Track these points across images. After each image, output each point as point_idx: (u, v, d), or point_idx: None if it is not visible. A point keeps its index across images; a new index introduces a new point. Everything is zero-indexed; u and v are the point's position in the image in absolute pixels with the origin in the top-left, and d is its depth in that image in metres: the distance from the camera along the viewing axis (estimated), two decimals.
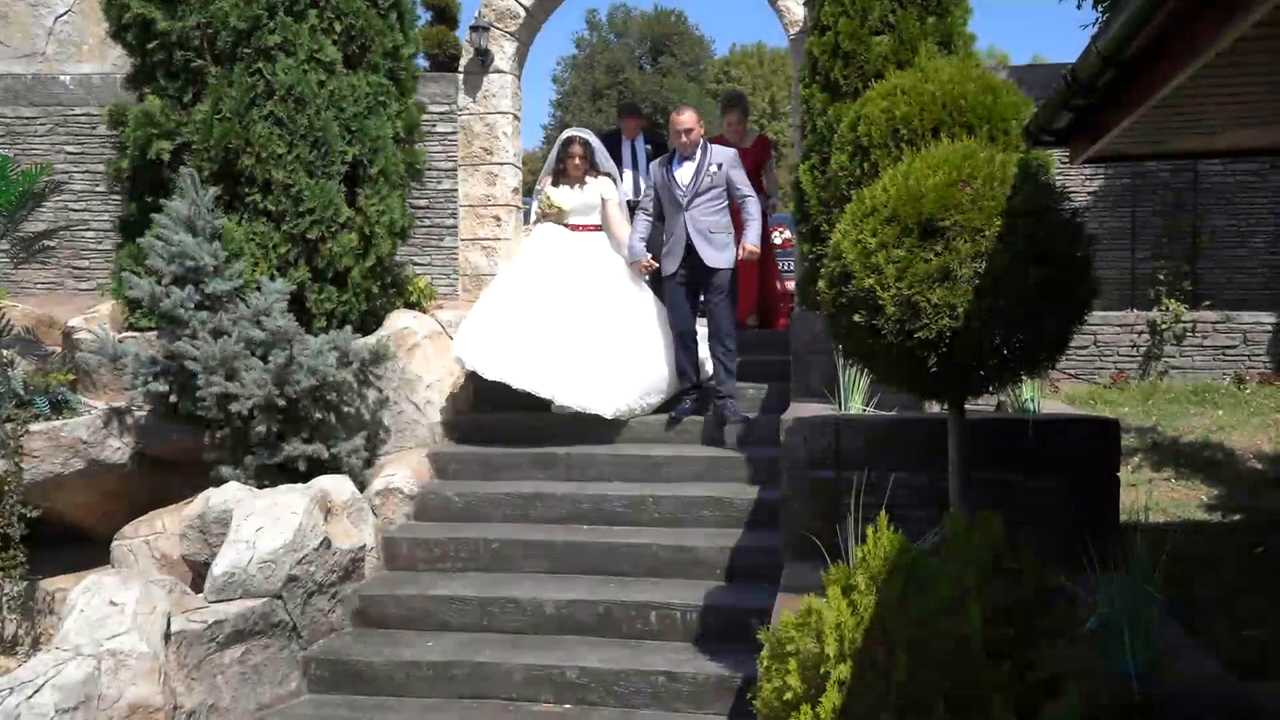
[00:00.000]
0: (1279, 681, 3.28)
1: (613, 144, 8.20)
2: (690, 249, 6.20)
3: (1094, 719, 2.55)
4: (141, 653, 3.52)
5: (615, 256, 6.81)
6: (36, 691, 3.16)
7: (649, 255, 6.57)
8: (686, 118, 6.33)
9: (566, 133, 7.20)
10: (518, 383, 6.18)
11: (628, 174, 8.16)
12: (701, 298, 6.42)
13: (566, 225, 6.91)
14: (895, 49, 5.71)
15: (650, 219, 6.58)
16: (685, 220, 6.20)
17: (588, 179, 6.94)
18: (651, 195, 6.53)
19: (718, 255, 6.22)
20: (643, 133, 8.49)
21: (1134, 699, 2.90)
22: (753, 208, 6.31)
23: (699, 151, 6.28)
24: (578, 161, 6.91)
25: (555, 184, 7.00)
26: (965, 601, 2.52)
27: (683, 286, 6.32)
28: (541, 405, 6.40)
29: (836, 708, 2.48)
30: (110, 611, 3.58)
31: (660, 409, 6.48)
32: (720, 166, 6.23)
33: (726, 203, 6.33)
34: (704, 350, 6.52)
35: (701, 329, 6.51)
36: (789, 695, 2.64)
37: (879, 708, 2.48)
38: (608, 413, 6.21)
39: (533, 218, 7.41)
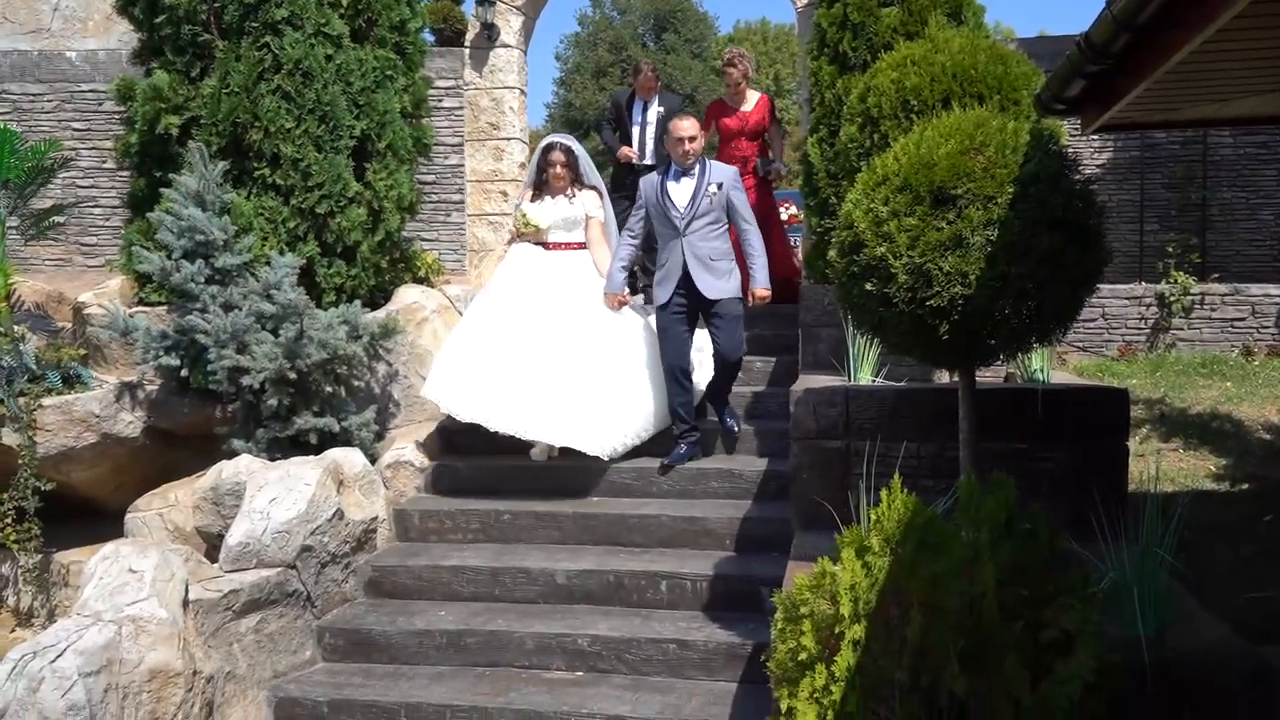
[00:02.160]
0: None
1: (628, 105, 8.11)
2: (687, 278, 5.55)
3: (1105, 679, 2.57)
4: (161, 619, 3.56)
5: (599, 279, 6.11)
6: (59, 656, 3.21)
7: (626, 290, 6.00)
8: (688, 125, 5.65)
9: (547, 140, 6.52)
10: (495, 425, 5.66)
11: (636, 140, 8.00)
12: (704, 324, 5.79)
13: (546, 243, 6.26)
14: (904, 20, 5.68)
15: (635, 243, 5.90)
16: (682, 246, 5.55)
17: (570, 192, 6.26)
18: (640, 215, 5.76)
19: (718, 284, 5.58)
20: (658, 95, 8.19)
21: (1144, 661, 2.92)
22: (755, 241, 5.65)
23: (697, 167, 5.61)
24: (559, 171, 6.20)
25: (535, 198, 6.32)
26: (979, 562, 2.55)
27: (678, 318, 5.64)
28: None
29: (851, 667, 2.51)
30: (129, 579, 3.62)
31: (653, 438, 5.89)
32: (720, 187, 5.57)
33: (726, 225, 5.68)
34: (699, 376, 5.94)
35: (699, 349, 5.93)
36: (803, 656, 2.67)
37: (893, 667, 2.51)
38: (604, 454, 5.65)
39: (508, 236, 6.95)
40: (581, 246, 6.28)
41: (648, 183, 5.74)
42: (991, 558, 2.57)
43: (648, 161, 7.97)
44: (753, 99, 7.86)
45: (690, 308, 5.63)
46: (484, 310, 6.13)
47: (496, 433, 5.69)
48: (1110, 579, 3.19)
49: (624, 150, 8.05)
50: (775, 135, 7.95)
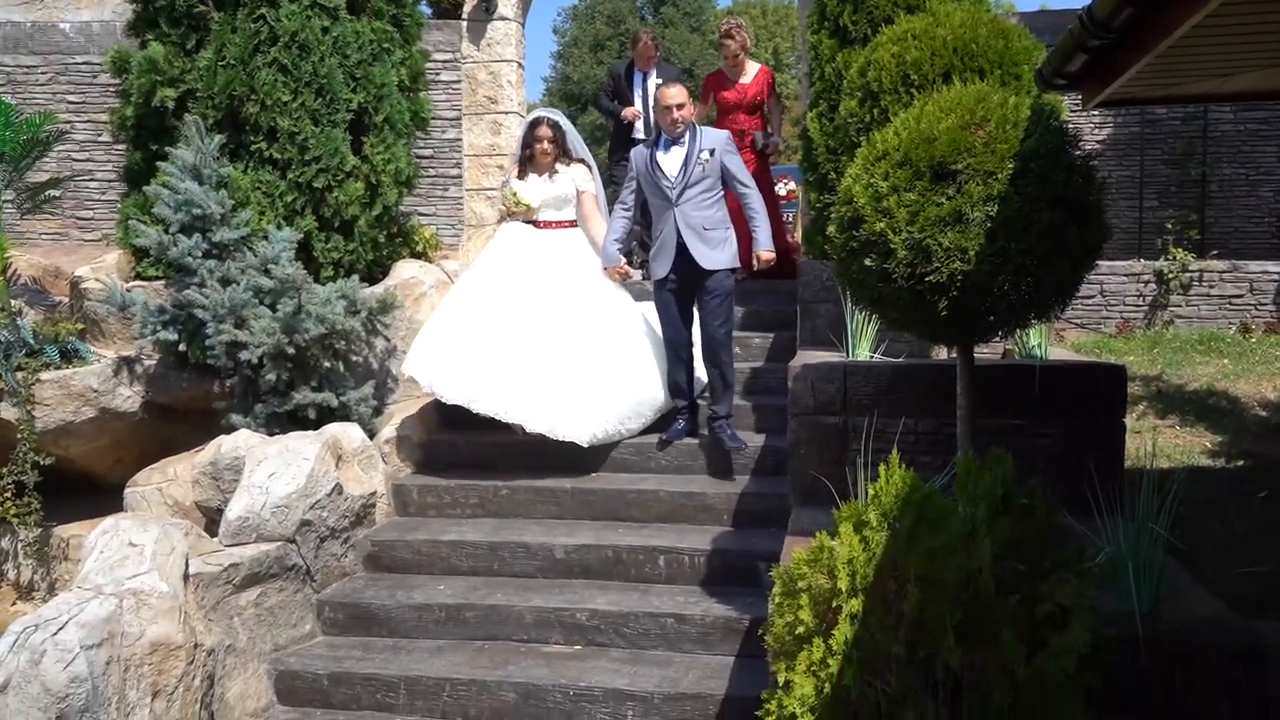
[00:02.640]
0: None
1: (627, 77, 7.99)
2: (682, 249, 5.41)
3: (1100, 652, 2.59)
4: (162, 592, 3.58)
5: (593, 257, 6.01)
6: (61, 629, 3.22)
7: (624, 260, 5.93)
8: (675, 92, 5.47)
9: (533, 114, 6.29)
10: (481, 407, 5.51)
11: (639, 106, 7.91)
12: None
13: (536, 222, 6.06)
14: None
15: (629, 215, 5.79)
16: (675, 216, 5.40)
17: (559, 168, 6.07)
18: (632, 187, 5.66)
19: (714, 254, 5.42)
20: (656, 67, 8.05)
21: (1139, 634, 2.95)
22: (756, 203, 5.52)
23: (688, 135, 5.45)
24: (546, 146, 6.00)
25: (522, 175, 6.12)
26: (975, 537, 2.57)
27: (673, 293, 5.52)
28: None
29: (848, 640, 2.53)
30: (130, 552, 3.63)
31: (651, 429, 5.77)
32: (713, 153, 5.42)
33: (721, 193, 5.54)
34: (698, 361, 5.81)
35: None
36: (801, 630, 2.69)
37: (890, 640, 2.53)
38: (583, 440, 5.48)
39: (497, 215, 6.76)
40: (573, 224, 6.12)
41: (638, 154, 5.64)
42: (988, 533, 2.58)
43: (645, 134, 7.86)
44: (751, 71, 7.70)
45: (687, 279, 5.48)
46: (471, 288, 5.93)
47: (479, 414, 5.57)
48: (1106, 554, 3.21)
49: (628, 110, 7.91)
50: (774, 109, 7.81)
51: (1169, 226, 9.00)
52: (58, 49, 8.67)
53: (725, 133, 5.68)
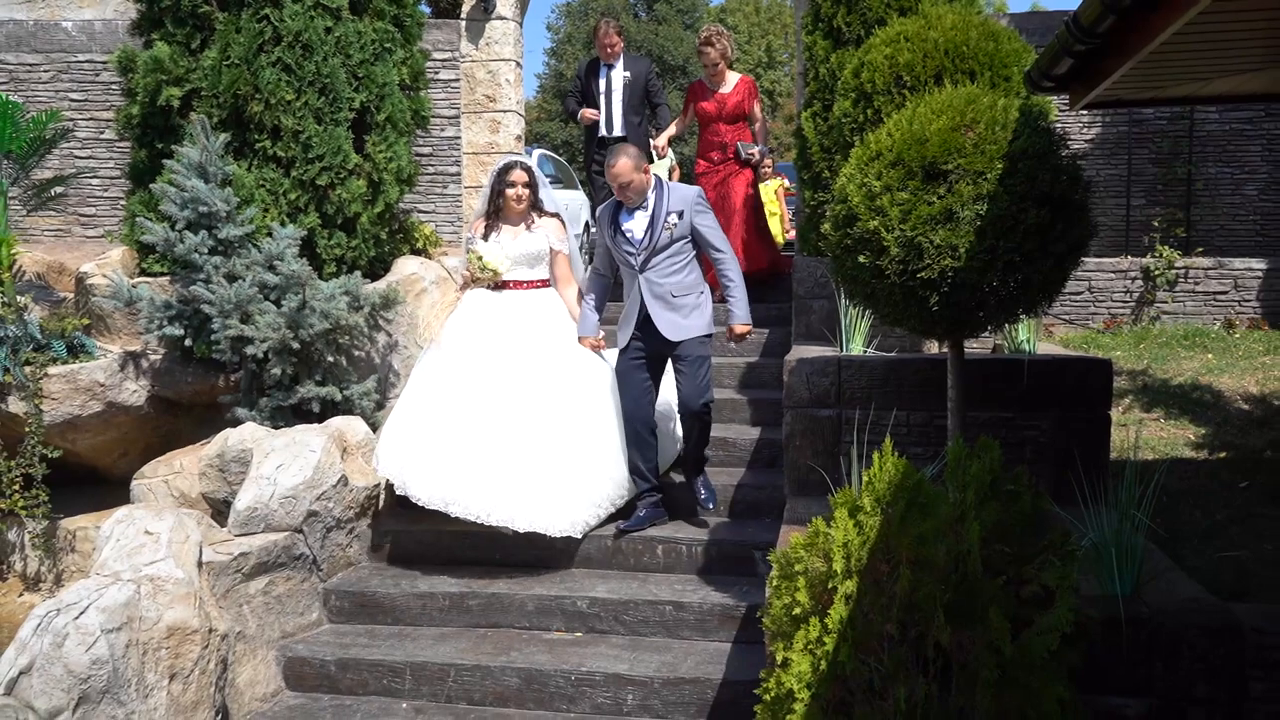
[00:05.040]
0: (1259, 602, 3.47)
1: (591, 72, 7.64)
2: (647, 319, 4.98)
3: (1083, 631, 2.72)
4: (178, 578, 3.69)
5: (568, 320, 5.52)
6: (82, 613, 3.33)
7: (601, 333, 5.45)
8: (620, 167, 4.91)
9: (504, 160, 5.69)
10: (459, 510, 5.00)
11: (602, 111, 7.56)
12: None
13: (505, 283, 5.51)
14: None
15: (606, 278, 5.37)
16: (640, 284, 4.98)
17: (533, 218, 5.54)
18: (602, 250, 5.25)
19: (683, 324, 4.96)
20: (623, 57, 7.58)
21: (1120, 615, 3.08)
22: (732, 271, 5.02)
23: (652, 196, 4.98)
24: (521, 192, 5.47)
25: (488, 233, 5.53)
26: (964, 521, 2.69)
27: (637, 363, 5.07)
28: None
29: (843, 619, 2.66)
30: (146, 540, 3.74)
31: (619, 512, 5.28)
32: (681, 215, 4.94)
33: (693, 255, 5.08)
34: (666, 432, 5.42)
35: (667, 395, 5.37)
36: (797, 610, 2.82)
37: (883, 620, 2.66)
38: (576, 532, 5.05)
39: (459, 279, 6.01)
40: (545, 284, 5.59)
41: (603, 214, 5.17)
42: (977, 517, 2.71)
43: (617, 133, 7.55)
44: (731, 81, 7.44)
45: (652, 352, 5.05)
46: (436, 371, 5.44)
47: (458, 518, 5.06)
48: (1090, 540, 3.34)
49: (585, 112, 7.65)
50: (759, 120, 7.57)
51: (1156, 224, 9.16)
52: (60, 47, 8.74)
53: (696, 190, 5.14)
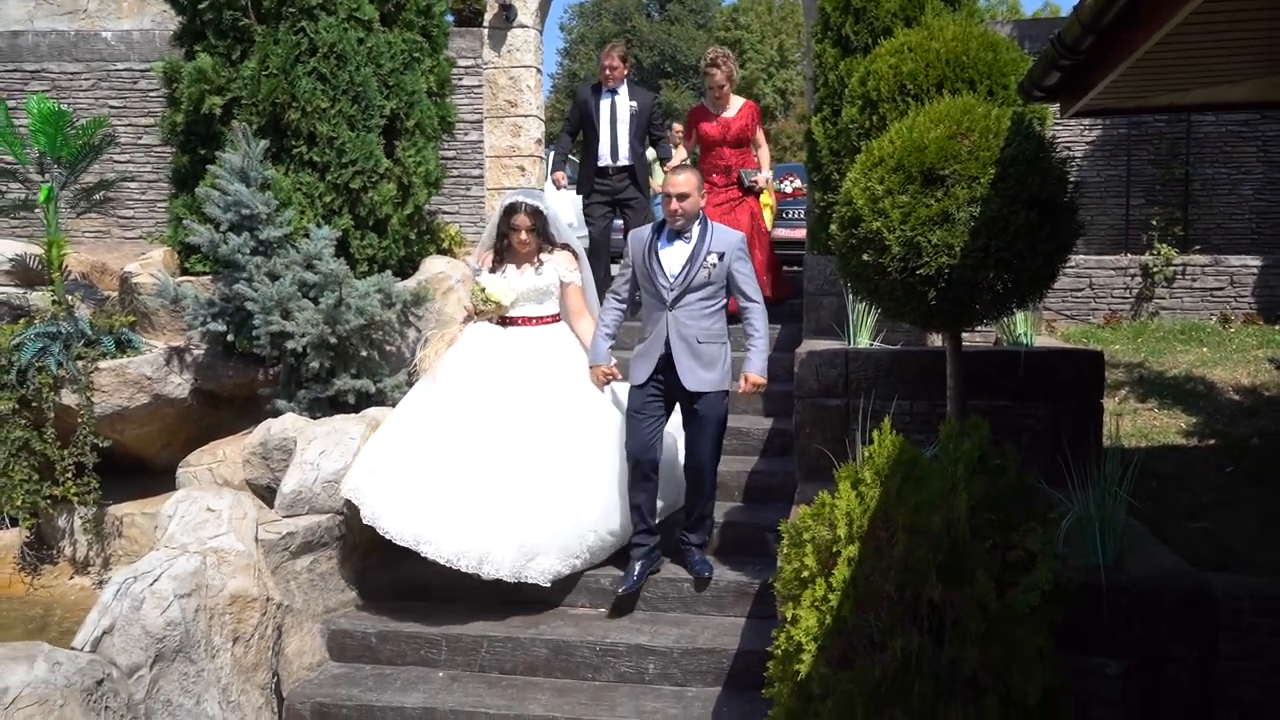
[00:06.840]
0: (1233, 574, 3.76)
1: (594, 96, 7.40)
2: (669, 359, 4.71)
3: (1062, 591, 3.03)
4: (239, 551, 4.02)
5: (579, 358, 5.18)
6: (156, 580, 3.67)
7: (613, 360, 5.06)
8: (684, 180, 4.73)
9: (510, 199, 5.34)
10: (431, 551, 4.75)
11: (605, 138, 7.34)
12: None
13: (511, 318, 5.27)
14: (904, 5, 6.00)
15: (623, 307, 5.01)
16: (667, 321, 4.70)
17: (542, 257, 5.27)
18: (628, 275, 4.91)
19: (703, 375, 4.70)
20: (626, 85, 7.41)
21: (1102, 583, 3.38)
22: (759, 320, 4.78)
23: (696, 230, 4.75)
24: (525, 237, 5.18)
25: (496, 265, 5.29)
26: (955, 492, 3.00)
27: (652, 401, 4.78)
28: None
29: (846, 580, 2.97)
30: (208, 517, 4.08)
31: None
32: (722, 258, 4.69)
33: (724, 303, 4.84)
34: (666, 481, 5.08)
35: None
36: (805, 573, 3.13)
37: (882, 580, 2.96)
38: (565, 572, 4.91)
39: (462, 313, 5.78)
40: (554, 319, 5.32)
41: (635, 239, 4.88)
42: (966, 489, 3.02)
43: (623, 162, 7.40)
44: (735, 105, 7.39)
45: (667, 393, 4.82)
46: (428, 404, 5.14)
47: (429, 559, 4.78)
48: (1074, 515, 3.64)
49: (556, 175, 7.54)
50: (762, 145, 7.53)
51: (1154, 223, 9.45)
52: (99, 56, 9.11)
53: (740, 235, 4.93)
